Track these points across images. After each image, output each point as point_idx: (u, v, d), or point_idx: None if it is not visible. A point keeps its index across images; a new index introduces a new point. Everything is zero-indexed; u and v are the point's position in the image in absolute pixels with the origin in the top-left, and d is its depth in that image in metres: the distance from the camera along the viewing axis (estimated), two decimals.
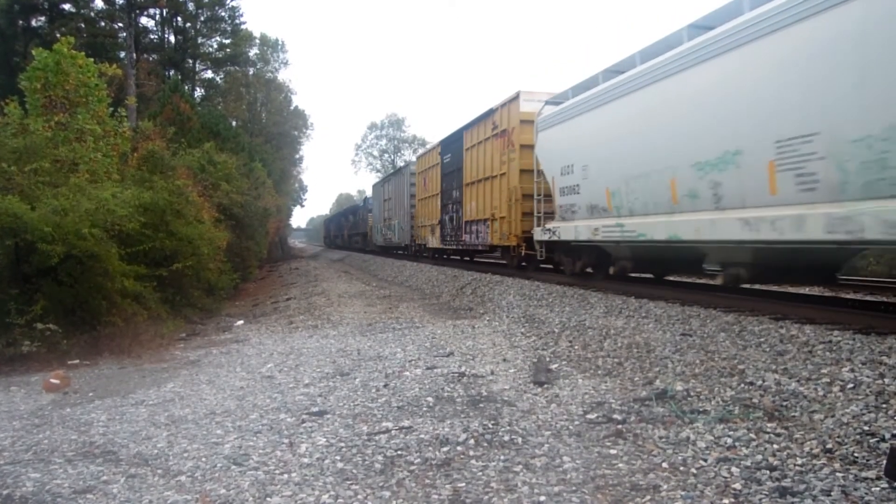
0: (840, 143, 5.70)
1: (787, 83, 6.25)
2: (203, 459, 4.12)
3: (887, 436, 3.72)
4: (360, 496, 3.48)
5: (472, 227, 16.77)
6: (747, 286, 8.85)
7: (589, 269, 11.68)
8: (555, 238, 11.74)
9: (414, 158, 25.22)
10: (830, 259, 7.37)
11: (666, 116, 8.19)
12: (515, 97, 13.85)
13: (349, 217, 47.07)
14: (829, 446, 3.77)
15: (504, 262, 16.56)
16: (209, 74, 41.83)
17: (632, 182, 9.12)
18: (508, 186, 13.98)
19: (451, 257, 21.69)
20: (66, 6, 29.74)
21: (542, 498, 3.38)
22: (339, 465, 3.95)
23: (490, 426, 4.58)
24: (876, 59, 5.35)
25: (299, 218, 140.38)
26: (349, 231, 45.10)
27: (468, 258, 20.29)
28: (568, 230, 11.15)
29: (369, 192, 35.35)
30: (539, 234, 12.34)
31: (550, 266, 13.63)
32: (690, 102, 7.72)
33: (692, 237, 7.89)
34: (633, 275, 10.94)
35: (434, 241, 21.09)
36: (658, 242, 8.65)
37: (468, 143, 17.06)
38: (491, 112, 15.24)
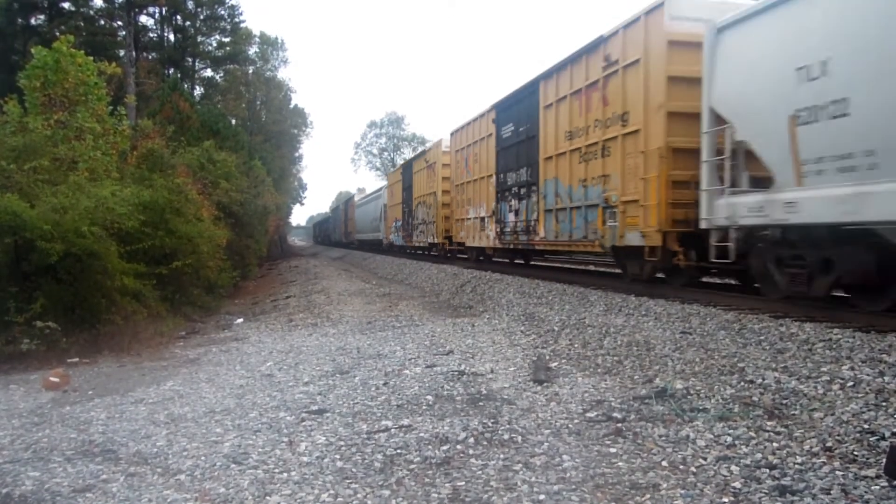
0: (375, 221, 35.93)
1: (377, 210, 35.19)
2: (202, 458, 4.11)
3: (887, 434, 3.71)
4: (359, 495, 3.48)
5: (351, 234, 45.08)
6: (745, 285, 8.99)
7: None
8: (354, 237, 44.43)
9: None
10: (378, 242, 34.76)
11: (371, 208, 37.70)
12: (353, 196, 51.19)
13: (325, 223, 75.09)
14: (828, 444, 3.77)
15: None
16: (209, 73, 41.80)
17: (362, 222, 40.87)
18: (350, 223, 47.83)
19: (348, 244, 47.16)
20: (66, 4, 29.70)
21: (542, 496, 3.38)
22: (339, 463, 3.94)
23: (490, 424, 4.58)
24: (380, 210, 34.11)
25: (299, 216, 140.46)
26: (325, 233, 71.30)
27: (350, 245, 45.79)
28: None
29: (361, 193, 56.53)
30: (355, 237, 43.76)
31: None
32: (371, 208, 37.56)
33: (373, 237, 36.32)
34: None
35: (345, 239, 49.13)
36: (370, 240, 37.41)
37: (333, 204, 66.81)
38: (347, 199, 52.55)
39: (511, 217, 14.11)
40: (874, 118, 5.56)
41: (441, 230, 19.39)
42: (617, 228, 9.61)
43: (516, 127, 13.92)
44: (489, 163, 15.65)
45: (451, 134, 19.42)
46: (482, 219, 16.25)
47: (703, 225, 7.79)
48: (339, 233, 51.97)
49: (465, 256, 18.92)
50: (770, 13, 6.74)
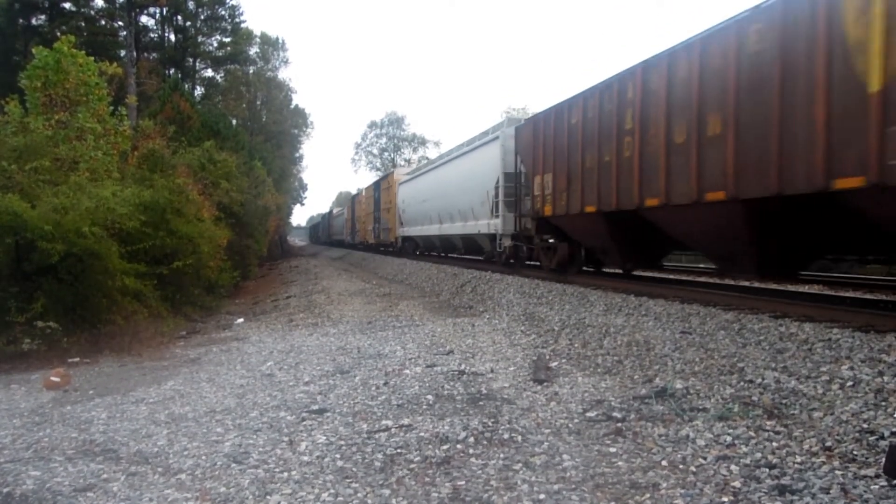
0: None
1: (343, 220, 55.88)
2: (203, 457, 4.12)
3: (886, 433, 3.72)
4: (359, 494, 3.49)
5: (332, 235, 61.03)
6: (747, 284, 9.11)
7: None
8: (334, 238, 61.37)
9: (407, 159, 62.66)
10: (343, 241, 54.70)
11: (341, 220, 56.60)
12: (332, 210, 73.50)
13: (318, 227, 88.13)
14: (828, 444, 3.78)
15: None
16: (209, 73, 41.87)
17: (337, 227, 57.98)
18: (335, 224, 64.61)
19: (331, 242, 60.67)
20: (67, 5, 29.76)
21: (542, 496, 3.38)
22: (339, 463, 3.95)
23: (490, 424, 4.59)
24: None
25: (299, 216, 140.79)
26: (318, 234, 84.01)
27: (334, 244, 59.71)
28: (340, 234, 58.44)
29: (337, 207, 73.00)
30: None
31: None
32: (341, 220, 55.97)
33: (342, 238, 53.16)
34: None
35: (329, 239, 63.81)
36: (340, 239, 54.18)
37: (329, 208, 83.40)
38: (330, 211, 73.84)
39: (377, 230, 33.11)
40: (410, 215, 25.76)
41: (363, 235, 38.92)
42: (389, 235, 29.95)
43: (378, 195, 33.28)
44: (372, 206, 35.14)
45: (365, 188, 40.36)
46: (370, 230, 35.94)
47: (398, 234, 28.19)
48: (325, 234, 72.13)
49: (369, 247, 37.19)
50: (404, 185, 27.36)
